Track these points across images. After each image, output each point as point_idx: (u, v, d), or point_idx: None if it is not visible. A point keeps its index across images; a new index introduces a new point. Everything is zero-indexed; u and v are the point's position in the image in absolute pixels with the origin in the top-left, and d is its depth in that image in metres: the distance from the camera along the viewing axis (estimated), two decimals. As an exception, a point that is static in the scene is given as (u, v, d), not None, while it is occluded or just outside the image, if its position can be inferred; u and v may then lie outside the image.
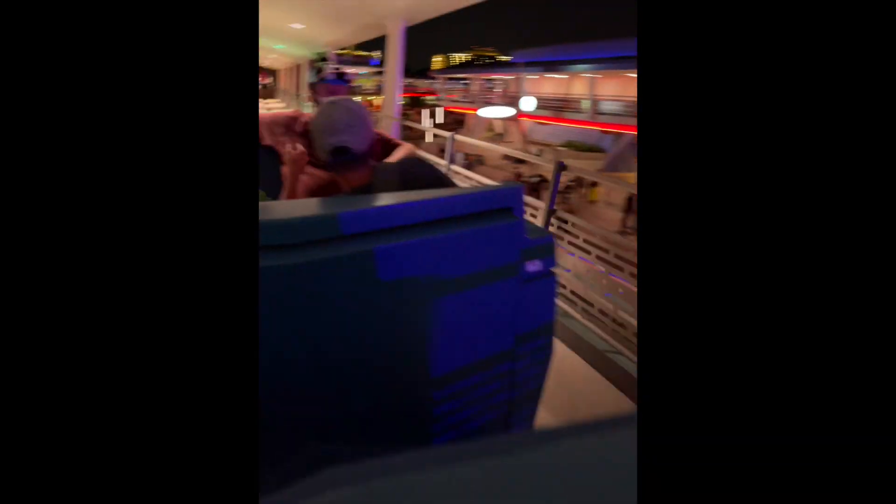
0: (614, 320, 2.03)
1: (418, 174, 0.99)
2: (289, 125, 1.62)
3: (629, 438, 0.26)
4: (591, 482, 0.22)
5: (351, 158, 0.97)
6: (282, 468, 0.62)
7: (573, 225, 2.40)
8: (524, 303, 0.77)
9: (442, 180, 1.00)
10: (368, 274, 0.59)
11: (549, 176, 2.62)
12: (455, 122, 26.58)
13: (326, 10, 6.75)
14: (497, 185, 0.75)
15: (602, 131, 17.19)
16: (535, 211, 2.66)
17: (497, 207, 0.72)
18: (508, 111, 17.26)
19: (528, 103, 17.44)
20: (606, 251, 2.11)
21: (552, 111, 18.62)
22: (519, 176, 15.05)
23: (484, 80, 27.62)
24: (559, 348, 1.76)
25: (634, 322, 1.94)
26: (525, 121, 18.47)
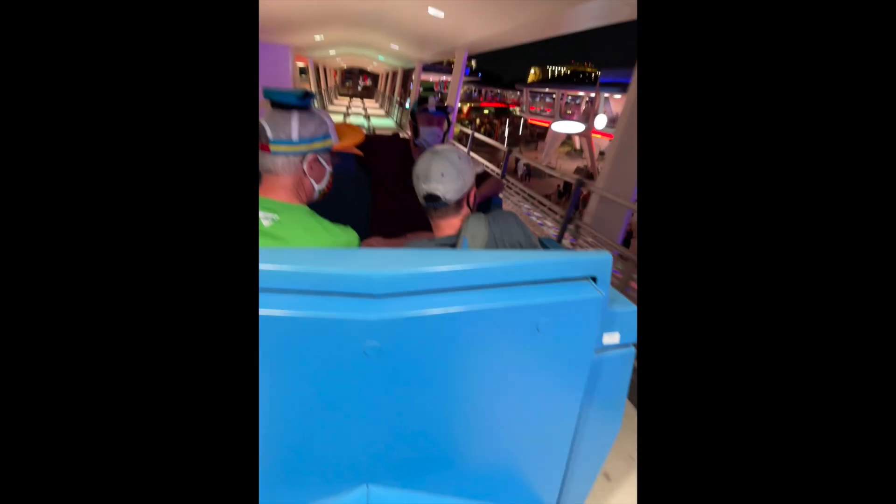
0: None
1: (506, 229, 1.02)
2: (389, 146, 1.73)
3: None
4: None
5: (442, 206, 1.01)
6: None
7: (584, 231, 3.17)
8: (597, 376, 0.74)
9: (529, 238, 1.03)
10: (446, 332, 0.59)
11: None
12: (535, 134, 27.48)
13: (413, 36, 8.61)
14: (586, 253, 0.73)
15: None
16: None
17: (582, 275, 0.70)
18: (579, 127, 18.02)
19: (600, 121, 18.09)
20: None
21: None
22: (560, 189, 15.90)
23: (569, 95, 28.29)
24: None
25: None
26: (597, 138, 19.08)
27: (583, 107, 25.07)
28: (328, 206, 0.99)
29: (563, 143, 24.74)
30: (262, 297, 0.54)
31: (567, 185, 14.36)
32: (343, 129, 1.02)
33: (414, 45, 9.94)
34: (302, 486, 0.65)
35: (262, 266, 0.54)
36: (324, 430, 0.62)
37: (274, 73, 10.09)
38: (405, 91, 19.98)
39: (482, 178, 1.69)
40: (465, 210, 1.06)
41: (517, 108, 34.75)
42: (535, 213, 5.02)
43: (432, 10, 5.62)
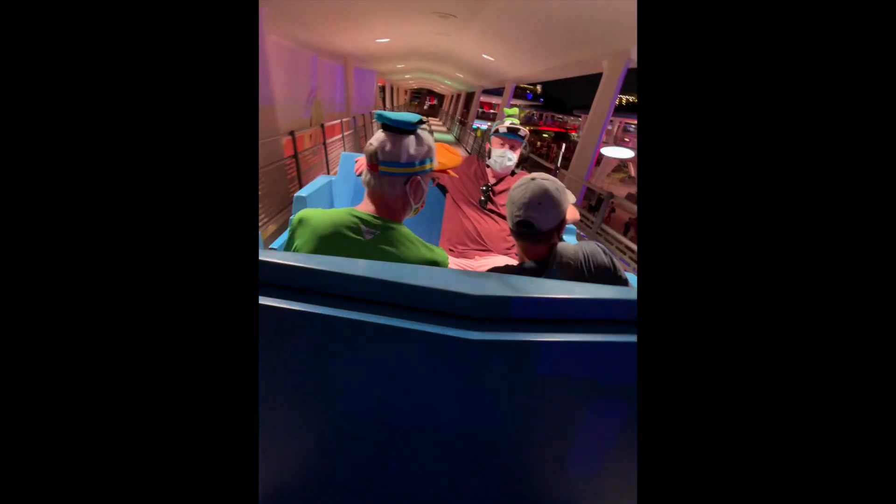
0: None
1: (595, 263, 1.00)
2: (464, 165, 1.74)
3: None
4: None
5: (533, 233, 1.00)
6: None
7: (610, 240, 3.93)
8: None
9: (616, 275, 1.02)
10: (527, 362, 0.59)
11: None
12: (597, 160, 28.41)
13: (473, 69, 10.38)
14: None
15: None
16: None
17: None
18: (628, 153, 18.92)
19: None
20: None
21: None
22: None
23: (625, 123, 29.13)
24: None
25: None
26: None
27: (634, 133, 25.82)
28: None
29: (618, 170, 25.51)
30: (364, 308, 0.57)
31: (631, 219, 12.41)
32: (441, 150, 1.08)
33: (474, 75, 11.67)
34: None
35: (369, 275, 0.58)
36: (404, 446, 0.61)
37: (364, 91, 12.25)
38: (466, 111, 21.82)
39: None
40: (555, 239, 1.04)
41: (575, 133, 35.78)
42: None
43: (485, 56, 7.28)
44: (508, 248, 1.65)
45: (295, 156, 5.17)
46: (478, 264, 1.58)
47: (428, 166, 0.94)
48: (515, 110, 1.77)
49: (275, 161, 4.63)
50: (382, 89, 20.67)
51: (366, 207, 0.93)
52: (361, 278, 0.59)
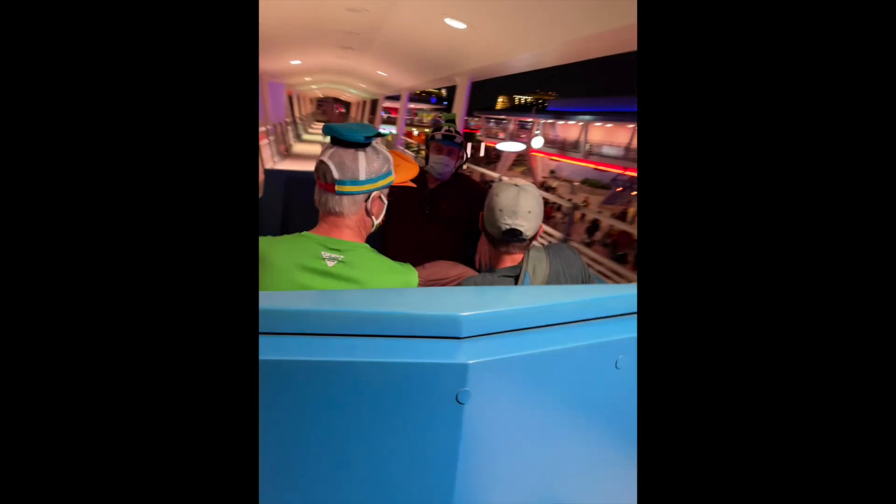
0: None
1: (566, 261, 1.03)
2: None
3: None
4: None
5: (520, 241, 1.00)
6: None
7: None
8: None
9: (586, 270, 1.05)
10: (533, 373, 0.59)
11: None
12: (494, 156, 31.17)
13: (409, 60, 7.29)
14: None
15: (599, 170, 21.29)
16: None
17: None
18: (520, 146, 21.49)
19: (536, 142, 21.72)
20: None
21: (558, 150, 23.09)
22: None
23: (518, 121, 32.48)
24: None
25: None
26: (538, 156, 22.87)
27: (535, 131, 28.93)
28: None
29: (519, 164, 28.32)
30: (339, 342, 0.54)
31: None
32: (397, 161, 1.01)
33: (404, 72, 8.83)
34: None
35: (335, 308, 0.55)
36: (407, 481, 0.59)
37: (277, 103, 12.48)
38: (373, 119, 23.06)
39: None
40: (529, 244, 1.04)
41: (478, 133, 38.59)
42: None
43: (451, 22, 4.19)
44: (456, 252, 1.68)
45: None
46: (427, 273, 1.68)
47: (388, 180, 0.89)
48: (453, 115, 1.82)
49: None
50: (290, 98, 21.23)
51: (324, 231, 0.87)
52: (336, 313, 0.54)
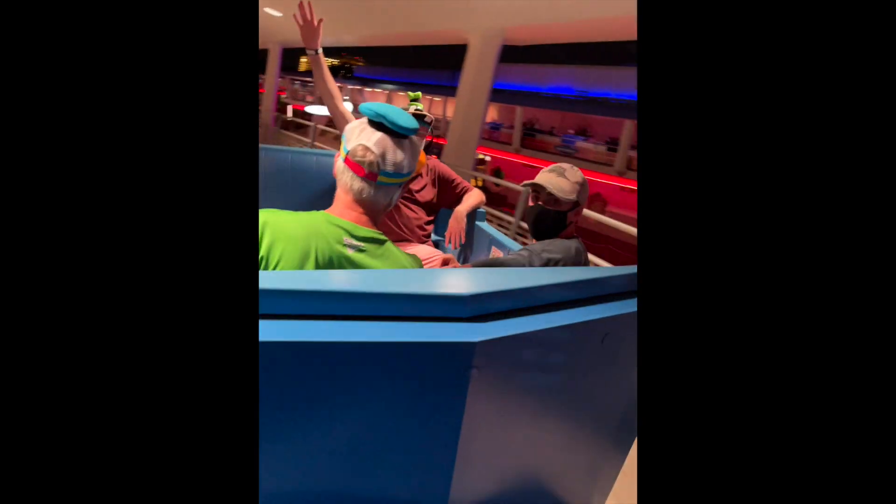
0: None
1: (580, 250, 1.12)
2: None
3: None
4: None
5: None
6: None
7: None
8: None
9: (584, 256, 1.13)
10: (537, 349, 0.61)
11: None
12: (302, 117, 31.15)
13: None
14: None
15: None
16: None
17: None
18: (323, 109, 22.35)
19: (314, 109, 22.85)
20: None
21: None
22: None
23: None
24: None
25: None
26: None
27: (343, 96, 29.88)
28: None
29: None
30: (345, 325, 0.53)
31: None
32: None
33: None
34: None
35: (348, 288, 0.55)
36: (405, 456, 0.60)
37: None
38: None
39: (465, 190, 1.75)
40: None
41: (284, 95, 37.48)
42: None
43: (269, 10, 4.91)
44: (425, 237, 1.70)
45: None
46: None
47: (414, 174, 0.86)
48: (419, 94, 1.75)
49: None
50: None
51: (347, 216, 0.82)
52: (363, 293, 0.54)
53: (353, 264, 0.80)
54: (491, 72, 4.73)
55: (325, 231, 0.79)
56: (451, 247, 1.62)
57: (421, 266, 0.91)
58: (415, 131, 0.82)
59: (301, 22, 1.51)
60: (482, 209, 1.81)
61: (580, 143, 16.29)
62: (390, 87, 25.31)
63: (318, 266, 0.77)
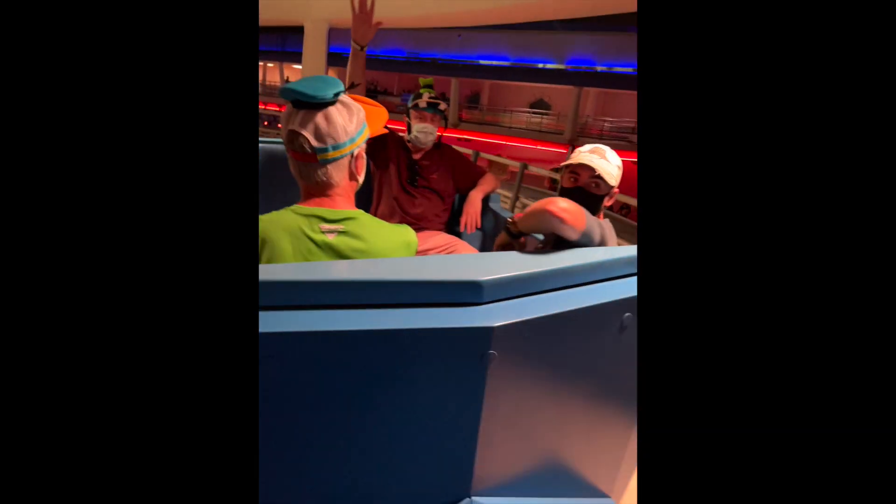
0: None
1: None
2: (389, 143, 1.71)
3: None
4: None
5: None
6: None
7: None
8: None
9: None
10: (549, 333, 0.61)
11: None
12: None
13: None
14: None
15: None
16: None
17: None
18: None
19: None
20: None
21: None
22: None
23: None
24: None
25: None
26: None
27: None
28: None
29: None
30: (351, 313, 0.54)
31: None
32: (364, 108, 0.88)
33: None
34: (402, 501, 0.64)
35: (350, 277, 0.56)
36: (427, 442, 0.60)
37: None
38: None
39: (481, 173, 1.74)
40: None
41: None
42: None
43: None
44: (442, 224, 1.72)
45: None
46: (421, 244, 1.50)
47: (366, 133, 0.82)
48: (430, 80, 1.74)
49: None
50: None
51: (314, 203, 0.80)
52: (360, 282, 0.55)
53: (337, 249, 0.78)
54: (324, 47, 5.61)
55: (301, 225, 0.77)
56: (466, 232, 1.60)
57: (410, 230, 0.88)
58: (334, 95, 0.76)
59: (357, 9, 1.47)
60: (496, 193, 1.79)
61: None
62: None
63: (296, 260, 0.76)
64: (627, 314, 0.68)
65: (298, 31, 5.82)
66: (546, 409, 0.67)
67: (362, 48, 1.50)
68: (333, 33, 5.49)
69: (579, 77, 15.48)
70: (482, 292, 0.58)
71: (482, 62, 16.72)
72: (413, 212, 1.68)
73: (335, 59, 6.15)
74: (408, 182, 1.69)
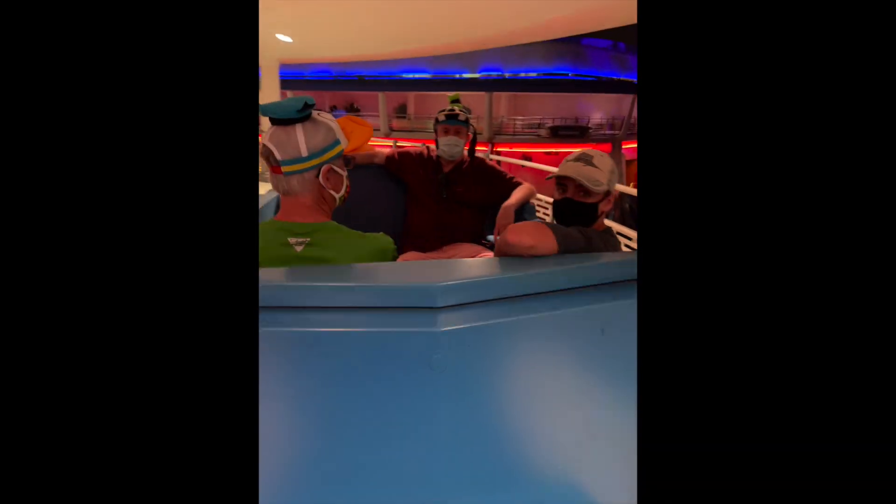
0: None
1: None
2: (419, 158, 1.80)
3: None
4: None
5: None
6: None
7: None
8: None
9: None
10: (511, 341, 0.60)
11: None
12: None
13: None
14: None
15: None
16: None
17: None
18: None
19: None
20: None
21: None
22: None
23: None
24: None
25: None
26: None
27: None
28: (360, 221, 1.03)
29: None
30: (315, 315, 0.56)
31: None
32: (348, 126, 0.96)
33: None
34: None
35: (315, 284, 0.58)
36: (386, 449, 0.59)
37: None
38: None
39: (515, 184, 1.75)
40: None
41: None
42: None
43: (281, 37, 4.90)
44: (476, 236, 1.76)
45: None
46: (446, 256, 1.60)
47: (337, 150, 0.86)
48: (457, 95, 1.80)
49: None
50: None
51: (286, 215, 0.86)
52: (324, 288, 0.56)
53: (304, 260, 0.82)
54: (277, 82, 6.44)
55: (273, 237, 0.83)
56: None
57: (385, 237, 0.91)
58: (295, 113, 0.81)
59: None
60: (531, 202, 1.77)
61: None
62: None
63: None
64: (601, 328, 0.65)
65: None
66: (502, 419, 0.63)
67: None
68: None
69: (489, 84, 17.83)
70: (435, 298, 0.58)
71: (405, 76, 18.49)
72: (444, 224, 1.74)
73: (288, 83, 7.41)
74: (437, 195, 1.75)
